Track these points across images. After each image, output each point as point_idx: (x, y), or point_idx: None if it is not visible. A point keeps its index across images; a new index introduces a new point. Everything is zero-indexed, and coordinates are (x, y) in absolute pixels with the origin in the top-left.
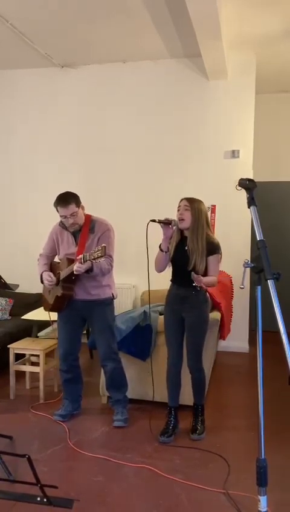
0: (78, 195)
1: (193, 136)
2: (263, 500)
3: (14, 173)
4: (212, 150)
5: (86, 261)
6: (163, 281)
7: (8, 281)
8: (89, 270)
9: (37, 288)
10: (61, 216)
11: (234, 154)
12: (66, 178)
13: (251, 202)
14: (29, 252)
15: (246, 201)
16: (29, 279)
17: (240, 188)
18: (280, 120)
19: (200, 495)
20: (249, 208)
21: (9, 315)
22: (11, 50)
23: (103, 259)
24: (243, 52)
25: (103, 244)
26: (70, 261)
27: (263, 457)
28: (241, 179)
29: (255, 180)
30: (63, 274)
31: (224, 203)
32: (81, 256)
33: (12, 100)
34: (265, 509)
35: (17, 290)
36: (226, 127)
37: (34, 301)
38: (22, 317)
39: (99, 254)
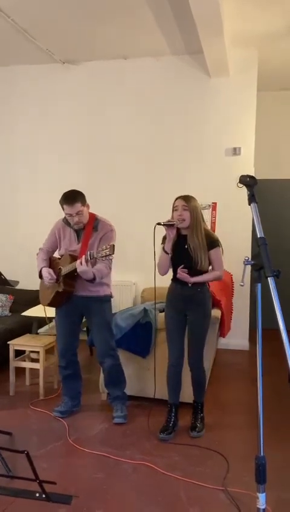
0: None
1: (194, 133)
2: (261, 498)
3: (15, 170)
4: (213, 147)
5: (92, 258)
6: (164, 278)
7: (8, 278)
8: (93, 280)
9: (37, 284)
10: (66, 214)
11: (236, 151)
12: (67, 175)
13: (251, 199)
14: (29, 249)
15: (246, 198)
16: (30, 275)
17: (241, 185)
18: (281, 118)
19: (199, 492)
20: (249, 204)
21: (10, 311)
22: (12, 46)
23: (111, 257)
24: (245, 50)
25: (112, 243)
26: (73, 258)
27: (262, 454)
28: (242, 176)
29: (257, 178)
30: (65, 270)
31: (225, 201)
32: (87, 253)
33: (13, 96)
34: (264, 507)
35: (18, 287)
36: (227, 124)
37: (34, 298)
38: (22, 314)
39: (108, 252)
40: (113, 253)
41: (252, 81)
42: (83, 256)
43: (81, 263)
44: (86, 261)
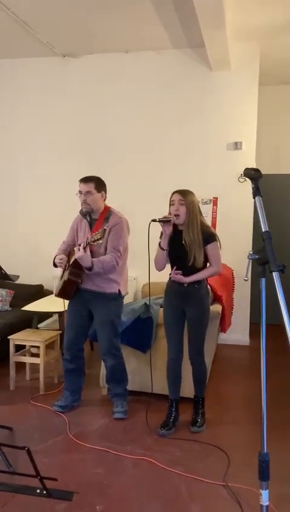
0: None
1: (195, 127)
2: (265, 494)
3: (15, 164)
4: (214, 141)
5: (88, 243)
6: (164, 273)
7: (8, 272)
8: (91, 268)
9: (37, 279)
10: (78, 191)
11: (237, 146)
12: (67, 169)
13: (256, 192)
14: (29, 243)
15: (248, 193)
16: (30, 270)
17: (243, 179)
18: (283, 112)
19: (200, 487)
20: (254, 198)
21: (10, 306)
22: (12, 39)
23: (101, 241)
24: (246, 43)
25: (104, 227)
26: None
27: (265, 451)
28: (247, 169)
29: None
30: (72, 259)
31: (226, 195)
32: (83, 241)
33: (13, 90)
34: (267, 503)
35: (18, 281)
36: (229, 119)
37: (34, 292)
38: (23, 309)
39: (99, 236)
40: (103, 237)
41: (253, 75)
42: (82, 243)
43: (79, 249)
44: (84, 248)
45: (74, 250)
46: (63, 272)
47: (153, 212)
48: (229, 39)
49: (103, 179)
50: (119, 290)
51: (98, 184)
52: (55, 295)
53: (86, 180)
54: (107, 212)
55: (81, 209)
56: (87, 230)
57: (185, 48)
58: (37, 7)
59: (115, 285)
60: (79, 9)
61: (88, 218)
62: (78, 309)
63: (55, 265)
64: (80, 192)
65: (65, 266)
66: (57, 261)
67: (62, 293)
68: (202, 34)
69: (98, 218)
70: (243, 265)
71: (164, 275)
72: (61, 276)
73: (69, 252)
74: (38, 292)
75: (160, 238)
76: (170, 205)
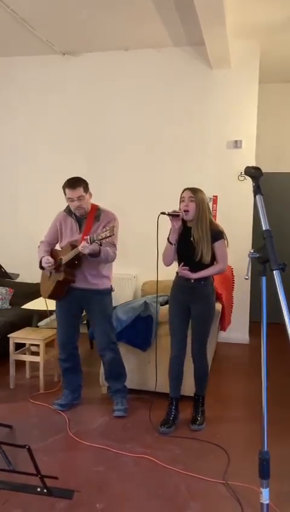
0: None
1: (195, 125)
2: (265, 493)
3: (15, 162)
4: (214, 139)
5: (93, 241)
6: (165, 271)
7: (8, 270)
8: (96, 255)
9: (37, 277)
10: (68, 199)
11: (237, 144)
12: (67, 167)
13: (257, 191)
14: (29, 241)
15: (247, 192)
16: (30, 268)
17: (243, 178)
18: (283, 110)
19: (200, 485)
20: (255, 196)
21: (10, 304)
22: (11, 36)
23: (109, 239)
24: (246, 41)
25: (112, 224)
26: (74, 247)
27: (265, 449)
28: (247, 167)
29: None
30: (66, 258)
31: (226, 194)
32: (87, 237)
33: (13, 88)
34: (267, 502)
35: (18, 280)
36: (229, 117)
37: (34, 291)
38: (22, 307)
39: (108, 234)
40: (112, 234)
41: (253, 73)
42: (83, 241)
43: (89, 243)
44: (88, 242)
45: (58, 250)
46: (50, 274)
47: (153, 210)
48: (229, 37)
49: (102, 176)
50: (110, 285)
51: (85, 185)
52: (47, 297)
53: (73, 185)
54: (96, 210)
55: (67, 207)
56: (76, 228)
57: (185, 46)
58: (36, 5)
59: (107, 281)
60: (79, 7)
61: (74, 216)
62: (70, 307)
63: (42, 267)
64: (71, 199)
65: (55, 267)
66: (45, 264)
67: (54, 294)
68: (202, 31)
69: (87, 217)
70: (242, 264)
71: (164, 273)
72: (49, 277)
73: (52, 251)
74: (38, 290)
75: (169, 234)
76: (180, 202)
